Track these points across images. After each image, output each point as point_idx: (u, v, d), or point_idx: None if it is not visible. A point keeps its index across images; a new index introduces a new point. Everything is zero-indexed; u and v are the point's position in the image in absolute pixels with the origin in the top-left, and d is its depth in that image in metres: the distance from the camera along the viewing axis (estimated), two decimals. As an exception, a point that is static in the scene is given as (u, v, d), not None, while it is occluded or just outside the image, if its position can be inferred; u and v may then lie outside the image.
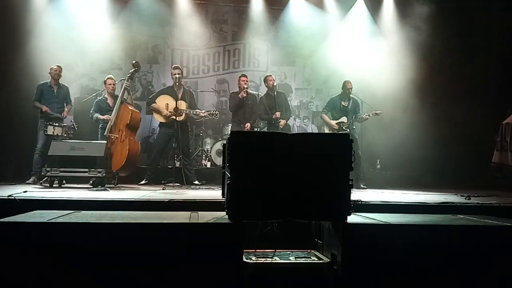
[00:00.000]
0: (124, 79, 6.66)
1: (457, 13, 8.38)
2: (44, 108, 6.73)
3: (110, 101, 6.92)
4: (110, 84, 6.97)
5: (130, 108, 6.45)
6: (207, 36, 9.27)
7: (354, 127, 7.36)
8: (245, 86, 7.15)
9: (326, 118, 7.47)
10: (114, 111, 6.45)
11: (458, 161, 8.08)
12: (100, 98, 7.03)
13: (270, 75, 7.46)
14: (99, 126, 6.81)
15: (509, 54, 8.16)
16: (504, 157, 7.34)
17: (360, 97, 7.59)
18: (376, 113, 7.22)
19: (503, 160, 7.35)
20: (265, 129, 7.53)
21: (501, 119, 7.56)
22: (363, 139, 7.50)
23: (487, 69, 8.38)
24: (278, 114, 7.13)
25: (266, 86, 7.44)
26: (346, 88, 7.30)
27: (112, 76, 7.14)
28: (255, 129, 7.44)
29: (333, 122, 7.33)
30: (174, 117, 6.72)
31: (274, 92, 7.28)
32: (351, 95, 7.37)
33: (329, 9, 9.10)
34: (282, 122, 7.16)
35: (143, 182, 6.79)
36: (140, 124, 6.82)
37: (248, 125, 7.16)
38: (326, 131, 7.49)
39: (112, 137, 6.26)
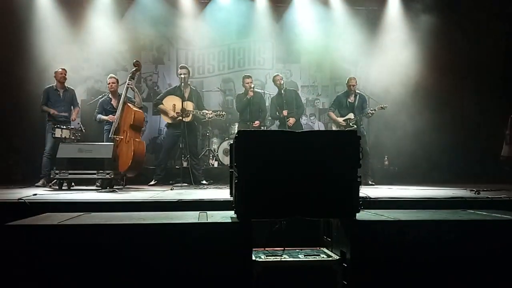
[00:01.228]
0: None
1: (464, 7, 8.32)
2: (52, 111, 6.75)
3: (114, 101, 6.82)
4: (109, 84, 6.84)
5: (133, 108, 6.39)
6: (212, 35, 9.26)
7: (362, 123, 7.34)
8: (252, 86, 7.17)
9: (333, 115, 7.45)
10: (117, 112, 6.41)
11: (467, 155, 8.04)
12: (103, 98, 6.97)
13: (277, 74, 7.44)
14: (104, 128, 6.79)
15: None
16: (513, 151, 7.29)
17: (366, 93, 7.56)
18: (382, 107, 7.19)
19: (512, 153, 7.30)
20: (271, 128, 7.53)
21: (510, 112, 7.51)
22: (370, 135, 7.47)
23: (495, 62, 8.31)
24: (285, 112, 7.12)
25: (275, 85, 7.43)
26: (350, 84, 7.30)
27: (114, 75, 7.01)
28: (262, 128, 7.44)
29: (340, 119, 7.31)
30: (181, 118, 6.74)
31: (282, 91, 7.28)
32: (357, 91, 7.35)
33: (334, 5, 9.07)
34: (291, 120, 7.14)
35: (152, 182, 6.83)
36: (144, 124, 6.81)
37: (257, 123, 7.16)
38: (334, 128, 7.47)
39: (117, 138, 6.27)
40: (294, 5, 9.11)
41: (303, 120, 9.42)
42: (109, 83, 6.86)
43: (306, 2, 9.04)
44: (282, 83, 7.29)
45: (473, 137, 8.12)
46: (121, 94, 6.58)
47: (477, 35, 8.34)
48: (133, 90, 6.64)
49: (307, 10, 9.02)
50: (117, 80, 6.92)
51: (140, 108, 6.68)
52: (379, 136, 7.91)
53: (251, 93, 7.14)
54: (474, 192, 5.00)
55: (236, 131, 6.26)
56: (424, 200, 4.32)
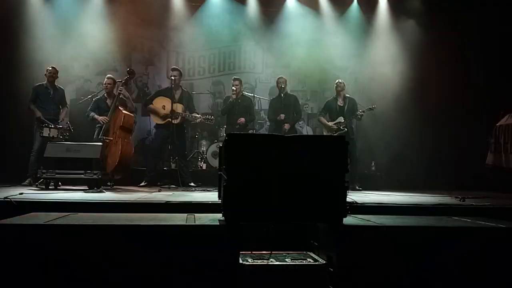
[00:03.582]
0: (120, 81, 6.63)
1: (451, 14, 8.43)
2: (38, 114, 6.68)
3: (109, 101, 6.76)
4: (106, 84, 6.80)
5: (123, 112, 6.45)
6: (203, 38, 9.26)
7: (354, 126, 7.38)
8: (234, 89, 7.22)
9: (324, 120, 7.49)
10: (109, 114, 6.45)
11: (452, 162, 8.12)
12: (99, 96, 6.95)
13: (280, 77, 7.52)
14: (96, 125, 6.72)
15: (503, 57, 8.23)
16: (498, 159, 7.41)
17: (355, 98, 7.62)
18: (370, 108, 7.27)
19: (497, 161, 7.42)
20: (260, 132, 7.55)
21: (495, 121, 7.63)
22: (358, 141, 7.52)
23: (481, 71, 8.42)
24: (282, 116, 7.16)
25: (277, 87, 7.53)
26: (336, 88, 7.37)
27: (112, 76, 6.95)
28: (250, 131, 7.45)
29: (331, 123, 7.35)
30: (170, 120, 6.73)
31: (282, 94, 7.34)
32: (347, 95, 7.41)
33: (324, 11, 9.13)
34: (286, 125, 7.19)
35: (142, 184, 6.79)
36: (134, 127, 6.82)
37: (242, 119, 7.16)
38: (325, 133, 7.51)
39: (107, 140, 6.26)
40: (285, 10, 9.14)
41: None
42: (105, 83, 6.80)
43: (296, 7, 9.09)
44: (283, 86, 7.35)
45: (459, 145, 8.21)
46: (116, 95, 6.59)
47: (464, 45, 8.45)
48: (124, 97, 6.65)
49: (298, 15, 9.05)
50: (114, 81, 6.81)
51: (131, 112, 6.69)
52: (366, 141, 7.98)
53: (233, 96, 7.18)
54: (459, 199, 5.06)
55: (224, 134, 6.24)
56: (410, 206, 4.37)
